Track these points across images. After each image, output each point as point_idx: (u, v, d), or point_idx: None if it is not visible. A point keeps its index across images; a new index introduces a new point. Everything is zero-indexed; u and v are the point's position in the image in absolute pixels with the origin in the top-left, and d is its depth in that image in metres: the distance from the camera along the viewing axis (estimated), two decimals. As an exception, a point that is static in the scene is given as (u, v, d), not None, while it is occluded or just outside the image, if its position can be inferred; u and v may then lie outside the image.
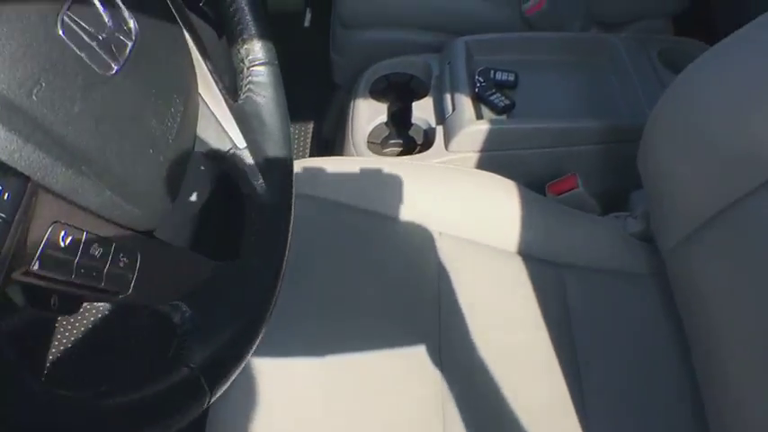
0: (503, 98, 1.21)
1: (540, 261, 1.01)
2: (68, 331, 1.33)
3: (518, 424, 0.86)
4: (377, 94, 1.32)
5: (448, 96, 1.22)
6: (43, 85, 0.40)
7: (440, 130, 1.20)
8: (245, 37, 0.68)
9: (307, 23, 1.94)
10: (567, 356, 0.91)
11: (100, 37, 0.45)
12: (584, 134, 1.15)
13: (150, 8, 0.52)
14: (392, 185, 1.02)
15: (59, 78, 0.41)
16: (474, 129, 1.15)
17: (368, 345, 0.87)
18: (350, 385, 0.84)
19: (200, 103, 0.61)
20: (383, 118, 1.27)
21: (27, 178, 0.39)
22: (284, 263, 0.62)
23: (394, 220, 0.99)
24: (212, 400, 0.52)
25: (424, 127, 1.25)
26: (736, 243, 0.79)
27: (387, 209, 1.00)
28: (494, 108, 1.20)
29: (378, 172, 1.03)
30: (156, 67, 0.51)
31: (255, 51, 0.68)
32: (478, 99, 1.22)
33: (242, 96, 0.67)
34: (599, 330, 0.95)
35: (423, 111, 1.26)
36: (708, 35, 1.61)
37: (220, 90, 0.62)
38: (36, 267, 0.39)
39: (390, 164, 1.03)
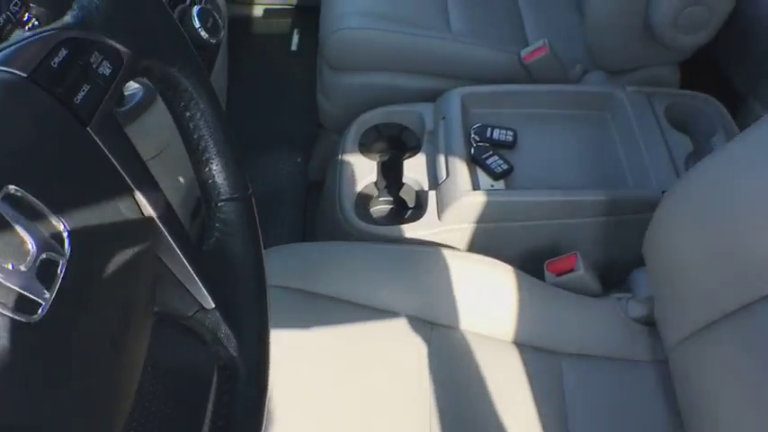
0: (500, 162, 1.14)
1: (537, 349, 0.96)
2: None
3: None
4: (366, 146, 1.24)
5: (442, 158, 1.14)
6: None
7: (432, 196, 1.13)
8: (213, 169, 0.60)
9: (294, 47, 1.85)
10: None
11: (22, 269, 0.37)
12: (585, 207, 1.08)
13: (88, 196, 0.44)
14: (380, 275, 0.95)
15: None
16: (469, 201, 1.07)
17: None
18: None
19: (158, 263, 0.54)
20: (372, 177, 1.19)
21: None
22: None
23: (382, 313, 0.93)
24: None
25: (416, 188, 1.17)
26: (745, 347, 0.75)
27: (373, 301, 0.93)
28: (491, 173, 1.13)
29: (364, 260, 0.96)
30: (95, 288, 0.43)
31: (225, 186, 0.60)
32: (474, 162, 1.14)
33: (210, 240, 0.59)
34: (595, 419, 0.91)
35: (414, 169, 1.18)
36: (715, 83, 1.55)
37: (182, 245, 0.54)
38: None
39: (378, 251, 0.96)
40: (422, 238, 1.10)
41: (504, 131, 1.18)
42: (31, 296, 0.37)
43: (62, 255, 0.40)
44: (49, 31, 0.47)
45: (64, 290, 0.39)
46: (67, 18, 0.48)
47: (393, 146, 1.27)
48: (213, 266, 0.57)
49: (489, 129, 1.18)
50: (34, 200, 0.40)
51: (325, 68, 1.39)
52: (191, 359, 0.60)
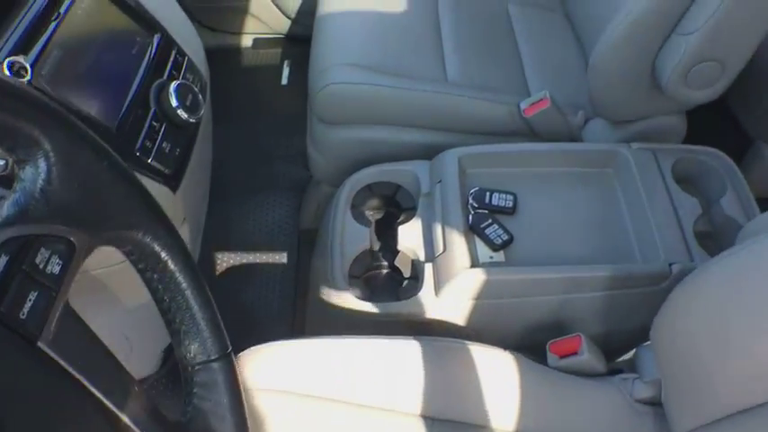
0: (500, 231, 1.08)
1: (540, 438, 0.91)
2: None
3: None
4: (359, 208, 1.18)
5: (438, 228, 1.09)
6: None
7: (429, 268, 1.07)
8: (186, 333, 0.54)
9: (285, 81, 1.79)
10: None
11: None
12: (590, 282, 1.03)
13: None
14: (374, 371, 0.90)
15: None
16: (468, 278, 1.02)
17: None
18: None
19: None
20: (366, 244, 1.13)
21: None
22: None
23: (379, 410, 0.88)
24: None
25: (412, 257, 1.12)
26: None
27: (371, 400, 0.88)
28: (490, 244, 1.07)
29: (356, 355, 0.90)
30: None
31: (201, 350, 0.55)
32: (472, 231, 1.09)
33: (187, 409, 0.53)
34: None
35: (410, 236, 1.12)
36: (723, 124, 1.50)
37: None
38: None
39: (371, 345, 0.90)
40: (419, 314, 1.05)
41: (504, 196, 1.12)
42: None
43: None
44: None
45: None
46: (7, 208, 0.42)
47: (387, 204, 1.22)
48: None
49: (488, 193, 1.12)
50: None
51: (315, 121, 1.33)
52: None
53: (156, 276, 0.52)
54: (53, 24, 0.79)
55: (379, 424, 0.88)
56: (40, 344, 0.40)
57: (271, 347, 0.89)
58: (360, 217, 1.17)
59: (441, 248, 1.06)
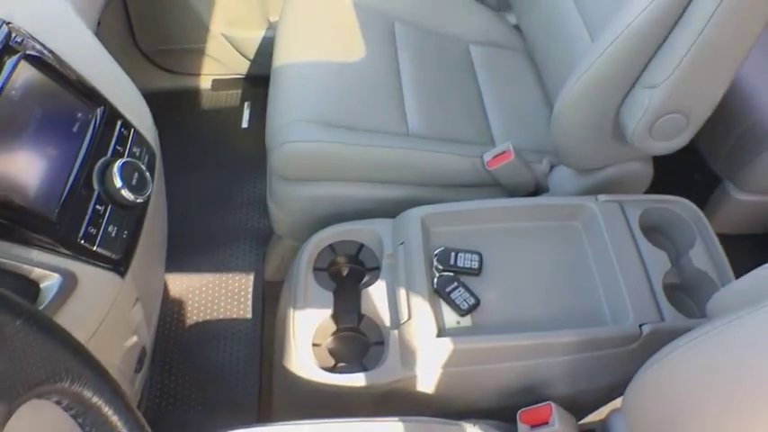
0: (466, 295, 1.05)
1: None
2: None
3: None
4: (321, 270, 1.14)
5: (402, 292, 1.05)
6: None
7: (394, 336, 1.04)
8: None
9: (245, 124, 1.74)
10: None
11: None
12: (559, 347, 1.00)
13: None
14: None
15: None
16: (434, 348, 0.99)
17: None
18: None
19: None
20: (329, 310, 1.09)
21: None
22: None
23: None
24: None
25: (377, 321, 1.08)
26: None
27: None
28: (456, 309, 1.04)
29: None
30: None
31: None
32: (438, 294, 1.05)
33: None
34: None
35: (374, 300, 1.09)
36: (691, 163, 1.49)
37: None
38: None
39: (336, 429, 0.87)
40: (385, 385, 1.02)
41: (470, 256, 1.09)
42: None
43: None
44: None
45: None
46: None
47: (351, 261, 1.18)
48: None
49: (453, 254, 1.09)
50: None
51: (274, 177, 1.29)
52: None
53: (88, 421, 0.48)
54: (-15, 107, 0.75)
55: None
56: None
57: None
58: (323, 279, 1.13)
59: (406, 315, 1.03)
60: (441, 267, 1.08)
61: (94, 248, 0.83)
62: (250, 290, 1.47)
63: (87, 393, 0.47)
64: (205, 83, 1.87)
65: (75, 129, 0.87)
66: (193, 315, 1.45)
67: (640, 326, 1.01)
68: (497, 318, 1.04)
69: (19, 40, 0.81)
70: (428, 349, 0.99)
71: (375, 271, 1.14)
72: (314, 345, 1.07)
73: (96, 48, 1.02)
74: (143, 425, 0.52)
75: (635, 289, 1.04)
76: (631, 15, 1.01)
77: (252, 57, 1.81)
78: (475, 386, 1.04)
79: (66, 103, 0.88)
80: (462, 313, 1.04)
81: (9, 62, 0.78)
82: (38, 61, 0.82)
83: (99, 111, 0.91)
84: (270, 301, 1.44)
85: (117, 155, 0.90)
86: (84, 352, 0.48)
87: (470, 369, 1.01)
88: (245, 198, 1.62)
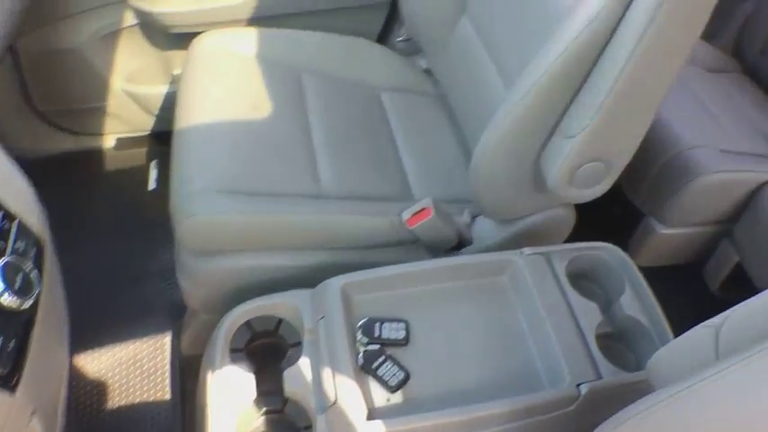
0: (394, 369, 0.99)
1: None
2: None
3: None
4: (239, 350, 1.06)
5: (327, 373, 0.98)
6: None
7: (322, 422, 0.97)
8: None
9: (153, 185, 1.65)
10: None
11: None
12: (494, 418, 0.95)
13: None
14: None
15: None
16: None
17: None
18: None
19: None
20: (252, 394, 1.01)
21: None
22: None
23: None
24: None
25: (303, 404, 1.00)
26: None
27: None
28: (385, 386, 0.98)
29: None
30: None
31: None
32: (364, 371, 0.99)
33: None
34: None
35: (298, 381, 1.02)
36: (615, 201, 1.47)
37: None
38: None
39: None
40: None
41: (395, 325, 1.03)
42: None
43: None
44: None
45: None
46: None
47: (271, 338, 1.10)
48: None
49: (377, 324, 1.03)
50: None
51: (182, 250, 1.20)
52: None
53: None
54: None
55: None
56: None
57: None
58: (241, 360, 1.05)
59: (332, 398, 0.96)
60: (365, 340, 1.02)
61: (-26, 366, 0.73)
62: (167, 367, 1.37)
63: None
64: (109, 142, 1.76)
65: (-55, 231, 0.78)
66: (109, 399, 1.34)
67: (578, 385, 0.97)
68: (429, 391, 0.99)
69: None
70: (358, 436, 0.92)
71: (297, 347, 1.07)
72: (236, 435, 0.99)
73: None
74: None
75: (569, 346, 1.01)
76: (547, 61, 0.97)
77: (156, 112, 1.71)
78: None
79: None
80: (392, 390, 0.98)
81: None
82: None
83: (-28, 205, 0.82)
84: (190, 376, 1.34)
85: (-2, 254, 0.81)
86: None
87: (408, 449, 0.95)
88: (157, 267, 1.52)
